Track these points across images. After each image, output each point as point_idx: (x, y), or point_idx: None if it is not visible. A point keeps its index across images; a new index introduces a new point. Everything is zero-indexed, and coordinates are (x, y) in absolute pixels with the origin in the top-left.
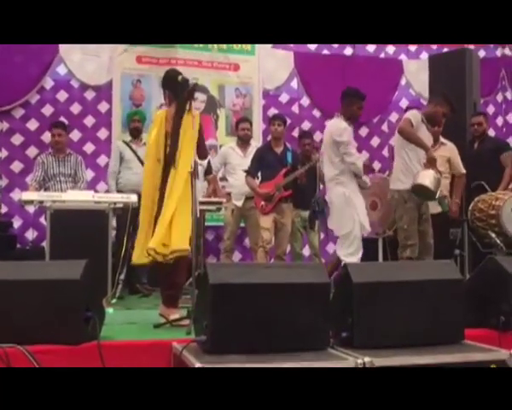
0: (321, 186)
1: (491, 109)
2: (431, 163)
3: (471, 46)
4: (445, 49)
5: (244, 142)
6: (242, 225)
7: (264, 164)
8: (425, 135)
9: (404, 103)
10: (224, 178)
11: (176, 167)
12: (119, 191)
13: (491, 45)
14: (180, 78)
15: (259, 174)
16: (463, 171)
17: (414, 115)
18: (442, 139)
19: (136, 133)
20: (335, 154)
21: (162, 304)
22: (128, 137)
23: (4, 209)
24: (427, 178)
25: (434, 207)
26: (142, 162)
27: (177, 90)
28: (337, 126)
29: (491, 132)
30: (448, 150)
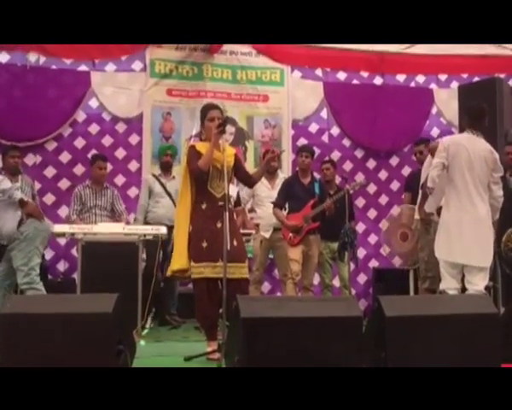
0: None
1: None
2: None
3: (501, 75)
4: (476, 79)
5: (270, 173)
6: (271, 256)
7: (291, 195)
8: None
9: (435, 132)
10: (252, 210)
11: None
12: (146, 224)
13: None
14: None
15: (287, 205)
16: None
17: None
18: None
19: (166, 167)
20: (487, 177)
21: None
22: (158, 171)
23: None
24: None
25: None
26: (170, 196)
27: None
28: (493, 149)
29: None
30: None
